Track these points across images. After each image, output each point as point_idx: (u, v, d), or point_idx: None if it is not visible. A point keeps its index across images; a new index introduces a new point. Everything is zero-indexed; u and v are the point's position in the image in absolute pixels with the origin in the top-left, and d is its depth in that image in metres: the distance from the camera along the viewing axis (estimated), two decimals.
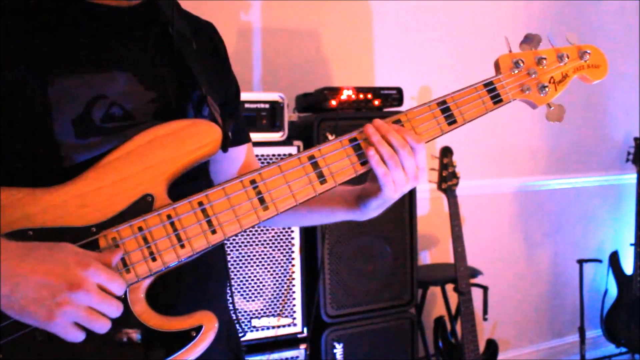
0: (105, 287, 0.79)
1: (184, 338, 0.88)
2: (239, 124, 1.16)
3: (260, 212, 0.92)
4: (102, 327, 0.80)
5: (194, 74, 0.99)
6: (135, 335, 0.86)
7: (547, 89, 1.10)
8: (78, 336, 0.79)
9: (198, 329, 0.88)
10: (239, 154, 1.17)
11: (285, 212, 0.96)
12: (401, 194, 1.00)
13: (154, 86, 0.96)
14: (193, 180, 0.97)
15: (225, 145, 0.97)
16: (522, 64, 1.09)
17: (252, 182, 0.92)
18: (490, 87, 1.07)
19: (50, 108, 0.87)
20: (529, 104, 1.13)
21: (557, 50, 1.12)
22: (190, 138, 0.92)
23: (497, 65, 1.10)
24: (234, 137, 1.10)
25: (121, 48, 0.95)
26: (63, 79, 0.89)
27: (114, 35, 0.95)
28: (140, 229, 0.87)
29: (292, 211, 0.96)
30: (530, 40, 1.11)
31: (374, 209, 1.05)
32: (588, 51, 1.13)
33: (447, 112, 1.03)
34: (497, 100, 1.07)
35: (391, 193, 0.98)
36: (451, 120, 1.03)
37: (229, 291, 1.14)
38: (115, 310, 0.81)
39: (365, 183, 1.04)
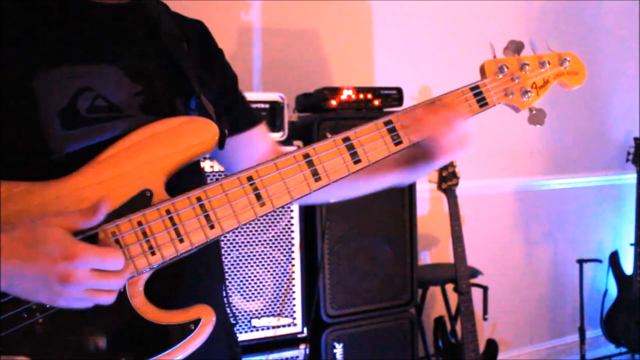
0: (100, 268, 0.79)
1: (183, 331, 0.88)
2: (245, 108, 1.19)
3: (257, 208, 0.94)
4: (107, 299, 0.80)
5: (185, 72, 1.01)
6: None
7: (529, 94, 1.14)
8: (87, 304, 0.80)
9: (196, 322, 0.89)
10: (253, 136, 1.19)
11: (338, 185, 1.00)
12: (454, 158, 1.09)
13: (140, 79, 0.97)
14: (191, 176, 0.98)
15: (222, 142, 0.99)
16: (506, 69, 1.13)
17: (249, 178, 0.94)
18: (476, 90, 1.11)
19: (36, 100, 0.88)
20: (512, 107, 1.17)
21: (539, 56, 1.16)
22: (188, 134, 0.93)
23: (482, 70, 1.14)
24: (243, 121, 1.15)
25: (107, 43, 0.97)
26: (48, 72, 0.90)
27: (101, 31, 0.97)
28: (139, 223, 0.88)
29: (343, 183, 1.01)
30: (513, 46, 1.15)
31: (428, 170, 1.13)
32: (568, 58, 1.17)
33: None
34: (482, 103, 1.11)
35: (454, 151, 1.07)
36: None
37: (225, 292, 1.14)
38: (117, 281, 0.80)
39: (416, 148, 1.09)
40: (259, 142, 1.20)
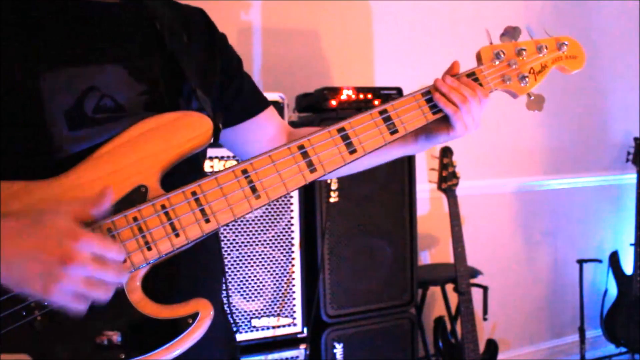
0: (102, 255, 0.79)
1: (181, 325, 0.88)
2: (251, 94, 1.20)
3: (253, 201, 0.94)
4: (102, 295, 0.79)
5: (183, 68, 1.01)
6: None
7: (527, 79, 1.13)
8: (80, 306, 0.78)
9: (194, 316, 0.89)
10: (261, 121, 1.20)
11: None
12: (467, 133, 1.10)
13: (144, 79, 0.97)
14: (186, 171, 0.98)
15: (216, 137, 0.99)
16: (503, 55, 1.12)
17: (244, 171, 0.94)
18: (472, 77, 1.11)
19: (42, 101, 0.88)
20: (510, 93, 1.16)
21: (536, 41, 1.15)
22: (182, 130, 0.94)
23: (478, 57, 1.13)
24: (251, 107, 1.17)
25: (111, 42, 0.97)
26: (54, 72, 0.90)
27: (103, 30, 0.97)
28: (135, 219, 0.88)
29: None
30: (510, 32, 1.14)
31: (439, 143, 1.16)
32: (566, 42, 1.16)
33: (431, 102, 1.08)
34: None
35: (462, 132, 1.08)
36: (435, 110, 1.09)
37: (224, 292, 1.14)
38: (115, 275, 0.80)
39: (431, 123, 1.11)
40: (268, 125, 1.21)
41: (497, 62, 1.12)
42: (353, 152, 1.01)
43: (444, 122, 1.09)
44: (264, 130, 1.20)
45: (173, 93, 1.00)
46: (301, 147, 0.98)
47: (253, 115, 1.18)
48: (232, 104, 1.15)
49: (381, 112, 1.04)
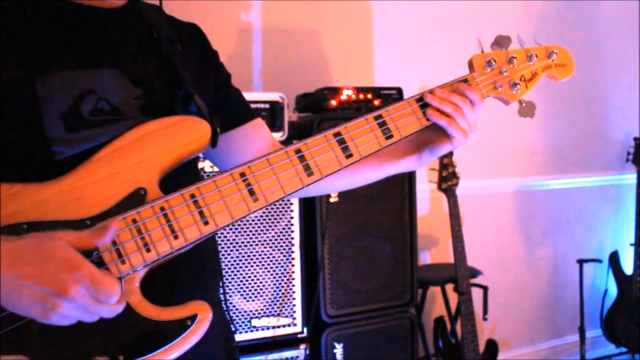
0: (95, 292, 0.78)
1: (180, 327, 0.89)
2: (239, 104, 1.20)
3: (251, 204, 0.95)
4: (92, 321, 0.80)
5: (180, 73, 1.02)
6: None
7: (518, 87, 1.15)
8: (72, 322, 0.79)
9: (193, 318, 0.89)
10: (248, 131, 1.19)
11: (332, 177, 1.01)
12: (468, 139, 1.11)
13: (140, 83, 0.98)
14: (184, 174, 0.99)
15: (214, 141, 1.00)
16: (494, 63, 1.14)
17: (242, 174, 0.95)
18: (465, 84, 1.12)
19: (39, 104, 0.89)
20: (501, 100, 1.18)
21: (527, 50, 1.17)
22: (180, 133, 0.95)
23: (470, 64, 1.15)
24: (237, 116, 1.16)
25: (107, 46, 0.98)
26: (51, 76, 0.90)
27: (100, 35, 0.98)
28: (134, 220, 0.89)
29: (340, 175, 1.02)
30: (500, 41, 1.16)
31: (443, 154, 1.16)
32: (555, 51, 1.19)
33: (424, 107, 1.09)
34: None
35: (462, 140, 1.09)
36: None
37: (222, 291, 1.15)
38: (108, 310, 0.80)
39: (425, 135, 1.12)
40: (254, 136, 1.20)
41: (488, 70, 1.14)
42: (349, 156, 1.02)
43: (445, 133, 1.10)
44: (249, 141, 1.19)
45: (169, 98, 1.01)
46: (298, 150, 0.99)
47: (238, 125, 1.18)
48: (219, 112, 1.14)
49: (376, 118, 1.05)
